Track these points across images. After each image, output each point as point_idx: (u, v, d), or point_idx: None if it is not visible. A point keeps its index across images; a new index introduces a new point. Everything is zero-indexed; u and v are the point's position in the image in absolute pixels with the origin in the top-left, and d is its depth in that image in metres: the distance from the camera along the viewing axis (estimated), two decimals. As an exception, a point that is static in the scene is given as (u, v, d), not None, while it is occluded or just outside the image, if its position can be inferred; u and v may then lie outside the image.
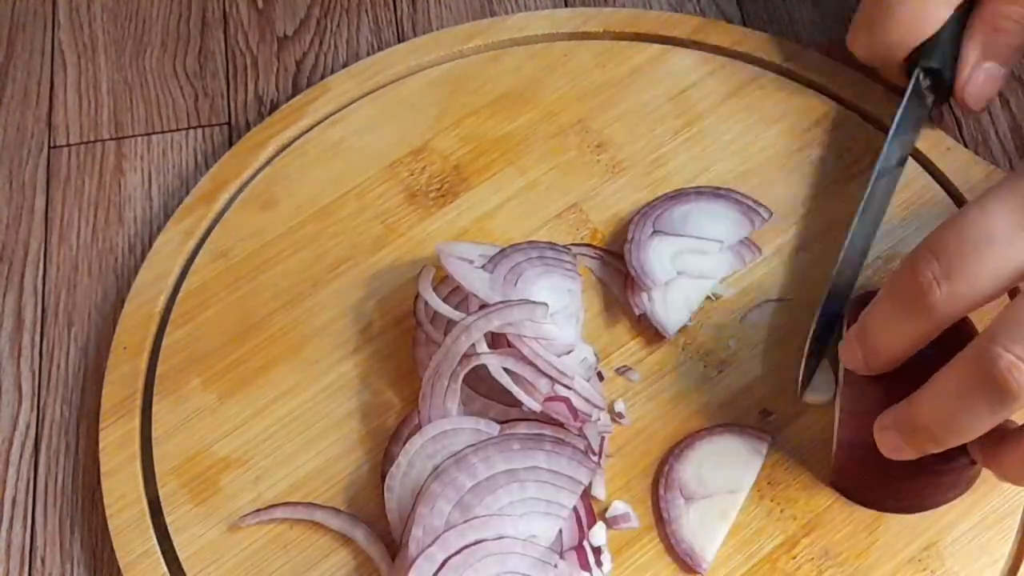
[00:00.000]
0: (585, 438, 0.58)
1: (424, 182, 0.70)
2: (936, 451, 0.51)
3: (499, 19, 0.75)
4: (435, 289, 0.61)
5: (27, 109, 0.77)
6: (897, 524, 0.57)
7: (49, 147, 0.75)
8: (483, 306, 0.59)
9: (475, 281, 0.60)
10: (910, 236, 0.65)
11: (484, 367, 0.58)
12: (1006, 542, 0.57)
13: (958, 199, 0.67)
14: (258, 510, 0.59)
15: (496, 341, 0.59)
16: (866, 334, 0.54)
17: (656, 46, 0.73)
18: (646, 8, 0.79)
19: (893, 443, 0.52)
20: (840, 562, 0.57)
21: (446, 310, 0.60)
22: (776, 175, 0.68)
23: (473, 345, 0.58)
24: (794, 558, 0.57)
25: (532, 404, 0.57)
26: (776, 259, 0.66)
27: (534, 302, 0.59)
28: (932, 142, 0.69)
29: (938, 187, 0.67)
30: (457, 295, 0.62)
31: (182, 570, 0.58)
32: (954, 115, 0.74)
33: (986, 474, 0.58)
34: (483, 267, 0.61)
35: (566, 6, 0.79)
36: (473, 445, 0.56)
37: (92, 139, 0.76)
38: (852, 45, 0.69)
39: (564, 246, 0.65)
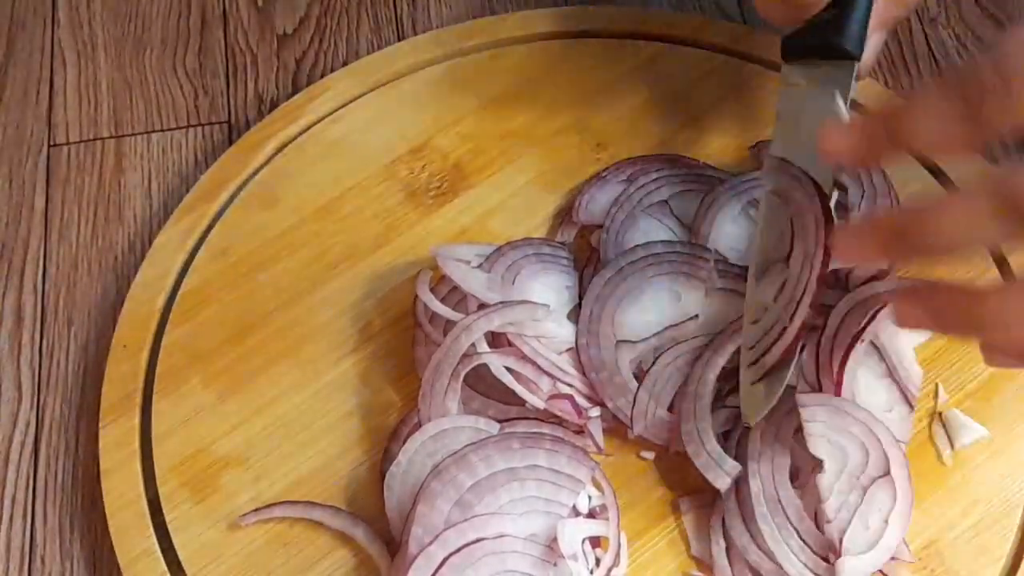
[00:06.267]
0: (585, 435, 0.58)
1: (424, 180, 0.70)
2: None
3: (499, 17, 0.75)
4: (434, 288, 0.61)
5: (27, 108, 0.77)
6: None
7: (49, 145, 0.75)
8: (482, 306, 0.59)
9: (473, 282, 0.60)
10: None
11: (483, 366, 0.58)
12: (1006, 541, 0.57)
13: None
14: (258, 509, 0.59)
15: (495, 340, 0.59)
16: (902, 116, 0.47)
17: (656, 45, 0.73)
18: (646, 7, 0.79)
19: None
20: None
21: (445, 312, 0.60)
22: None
23: (473, 344, 0.58)
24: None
25: (536, 402, 0.57)
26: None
27: (536, 303, 0.59)
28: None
29: (930, 176, 0.67)
30: (456, 294, 0.61)
31: (182, 569, 0.58)
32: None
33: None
34: (479, 266, 0.61)
35: (566, 4, 0.79)
36: (473, 444, 0.56)
37: (92, 137, 0.75)
38: (763, 7, 0.62)
39: (560, 242, 0.65)
